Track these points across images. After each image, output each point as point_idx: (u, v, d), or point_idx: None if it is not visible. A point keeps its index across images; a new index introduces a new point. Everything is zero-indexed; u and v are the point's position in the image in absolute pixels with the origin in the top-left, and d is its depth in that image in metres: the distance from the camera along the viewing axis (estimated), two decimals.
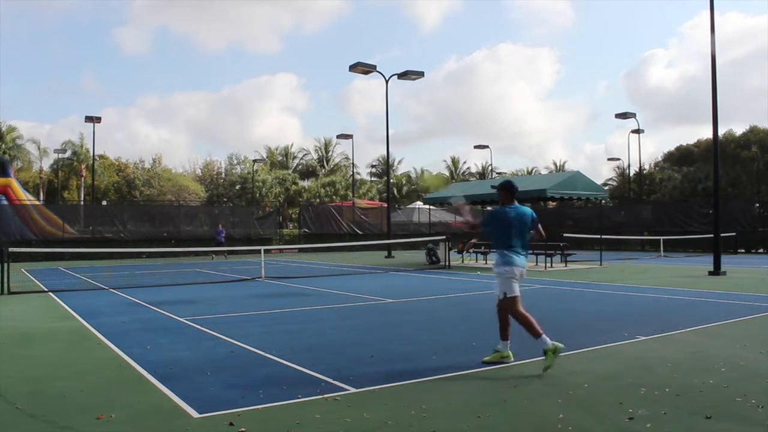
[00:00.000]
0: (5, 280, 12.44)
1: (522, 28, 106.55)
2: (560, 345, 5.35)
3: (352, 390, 4.82)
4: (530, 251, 19.48)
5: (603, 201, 26.80)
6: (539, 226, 6.00)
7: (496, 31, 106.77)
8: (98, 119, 34.43)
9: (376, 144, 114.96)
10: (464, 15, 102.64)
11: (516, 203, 5.92)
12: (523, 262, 5.78)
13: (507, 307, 5.71)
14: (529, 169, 65.22)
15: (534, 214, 5.96)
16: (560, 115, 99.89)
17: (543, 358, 5.40)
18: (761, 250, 27.71)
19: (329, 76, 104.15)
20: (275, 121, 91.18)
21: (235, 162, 56.35)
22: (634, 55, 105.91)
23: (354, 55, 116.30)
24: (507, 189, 5.93)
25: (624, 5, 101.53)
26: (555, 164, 67.49)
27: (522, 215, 5.84)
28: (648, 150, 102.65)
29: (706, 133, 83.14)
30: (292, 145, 64.83)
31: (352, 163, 48.01)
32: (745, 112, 79.18)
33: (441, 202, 28.24)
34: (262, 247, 20.00)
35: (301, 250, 30.80)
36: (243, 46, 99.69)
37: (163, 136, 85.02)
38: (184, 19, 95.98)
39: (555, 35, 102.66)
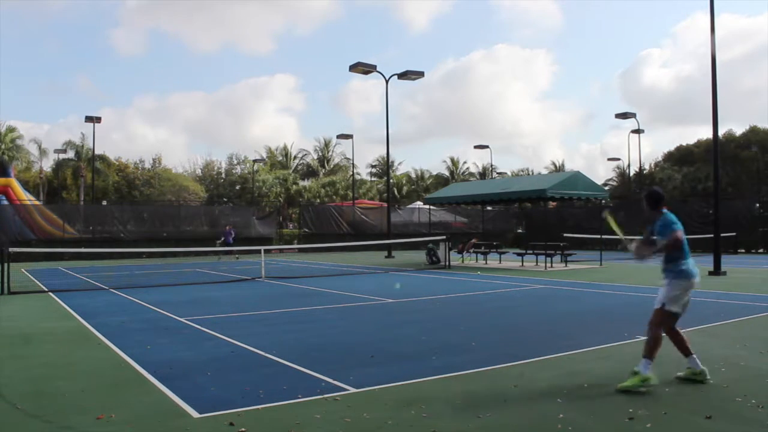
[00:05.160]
0: (5, 280, 12.44)
1: (513, 29, 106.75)
2: (655, 379, 4.79)
3: (352, 390, 4.82)
4: (531, 251, 19.84)
5: (603, 201, 26.79)
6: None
7: (487, 34, 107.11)
8: (98, 119, 34.44)
9: (374, 144, 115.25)
10: (453, 17, 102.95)
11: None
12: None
13: (657, 320, 4.97)
14: (529, 170, 65.29)
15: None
16: (556, 116, 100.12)
17: (549, 357, 5.37)
18: (761, 250, 27.71)
19: (325, 77, 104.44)
20: (272, 121, 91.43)
21: (235, 162, 56.34)
22: (628, 56, 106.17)
23: (348, 56, 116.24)
24: (648, 198, 5.18)
25: (616, 6, 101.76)
26: (554, 164, 67.53)
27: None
28: (644, 150, 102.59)
29: (701, 133, 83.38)
30: (292, 144, 64.90)
31: (352, 164, 48.01)
32: (739, 112, 79.44)
33: (441, 203, 28.28)
34: (262, 247, 20.01)
35: (301, 250, 30.82)
36: (236, 47, 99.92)
37: (161, 137, 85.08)
38: (175, 20, 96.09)
39: (550, 37, 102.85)
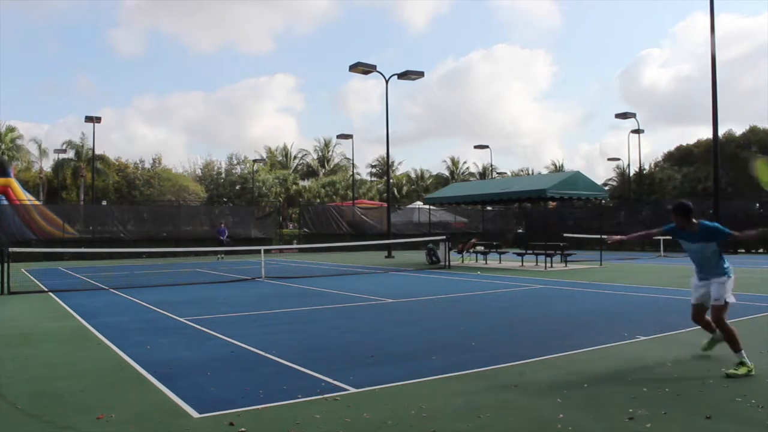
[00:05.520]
0: (5, 280, 12.44)
1: (512, 29, 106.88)
2: (751, 365, 5.28)
3: (352, 390, 4.82)
4: (531, 251, 19.84)
5: (603, 201, 26.79)
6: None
7: (487, 34, 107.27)
8: (98, 119, 34.47)
9: (373, 144, 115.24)
10: (452, 17, 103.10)
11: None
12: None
13: (720, 314, 5.51)
14: (529, 170, 65.29)
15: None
16: (556, 116, 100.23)
17: (549, 357, 5.38)
18: (761, 250, 27.71)
19: (325, 77, 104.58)
20: (272, 121, 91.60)
21: (235, 162, 56.37)
22: (628, 56, 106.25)
23: (348, 56, 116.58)
24: (683, 210, 5.64)
25: (616, 6, 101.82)
26: (554, 164, 67.54)
27: None
28: (644, 150, 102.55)
29: (701, 133, 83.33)
30: (292, 144, 64.94)
31: (352, 164, 48.05)
32: (739, 112, 79.39)
33: (441, 203, 28.25)
34: (262, 247, 20.00)
35: (301, 250, 30.81)
36: (235, 47, 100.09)
37: (161, 137, 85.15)
38: (174, 20, 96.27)
39: (550, 37, 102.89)
